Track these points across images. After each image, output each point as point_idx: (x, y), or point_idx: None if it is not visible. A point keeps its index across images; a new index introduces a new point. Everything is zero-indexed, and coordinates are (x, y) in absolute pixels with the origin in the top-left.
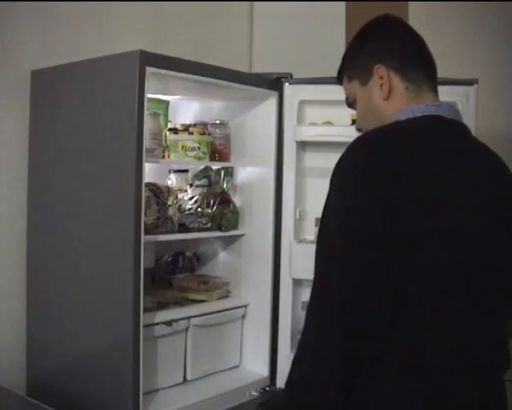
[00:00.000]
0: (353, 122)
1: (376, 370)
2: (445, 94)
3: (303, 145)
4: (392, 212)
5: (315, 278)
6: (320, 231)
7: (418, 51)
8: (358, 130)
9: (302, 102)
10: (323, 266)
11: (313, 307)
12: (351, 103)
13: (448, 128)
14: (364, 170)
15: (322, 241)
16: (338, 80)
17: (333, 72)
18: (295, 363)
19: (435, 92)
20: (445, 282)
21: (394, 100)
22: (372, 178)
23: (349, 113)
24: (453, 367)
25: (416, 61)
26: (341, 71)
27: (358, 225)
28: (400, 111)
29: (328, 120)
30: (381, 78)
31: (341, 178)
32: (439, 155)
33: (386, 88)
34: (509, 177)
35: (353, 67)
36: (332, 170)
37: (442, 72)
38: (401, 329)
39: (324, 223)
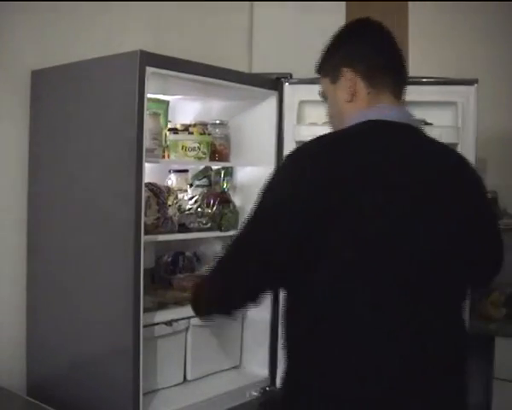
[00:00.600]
0: None
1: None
2: (445, 94)
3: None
4: (318, 193)
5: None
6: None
7: (391, 59)
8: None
9: (302, 102)
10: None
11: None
12: (323, 98)
13: (389, 129)
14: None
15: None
16: (316, 73)
17: None
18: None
19: (398, 97)
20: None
21: (355, 103)
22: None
23: None
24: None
25: (386, 69)
26: (319, 65)
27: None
28: (354, 117)
29: (322, 120)
30: (348, 81)
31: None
32: (370, 150)
33: (349, 91)
34: (453, 159)
35: (327, 65)
36: None
37: (442, 72)
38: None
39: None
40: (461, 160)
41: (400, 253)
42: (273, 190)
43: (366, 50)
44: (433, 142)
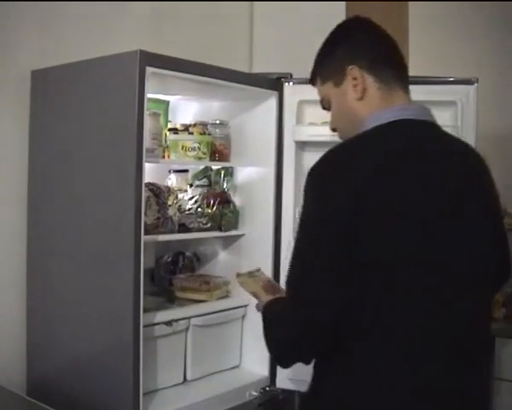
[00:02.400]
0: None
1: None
2: (445, 93)
3: (302, 145)
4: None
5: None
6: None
7: (389, 51)
8: (333, 130)
9: (301, 102)
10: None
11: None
12: (326, 106)
13: (414, 130)
14: (334, 181)
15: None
16: (311, 83)
17: None
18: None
19: (407, 93)
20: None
21: (368, 101)
22: (340, 187)
23: None
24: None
25: (386, 61)
26: (314, 74)
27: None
28: (370, 117)
29: (327, 120)
30: (355, 78)
31: (314, 188)
32: (407, 156)
33: (360, 88)
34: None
35: (326, 70)
36: None
37: (442, 71)
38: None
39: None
40: (479, 158)
41: (444, 264)
42: (321, 209)
43: (365, 43)
44: (454, 139)
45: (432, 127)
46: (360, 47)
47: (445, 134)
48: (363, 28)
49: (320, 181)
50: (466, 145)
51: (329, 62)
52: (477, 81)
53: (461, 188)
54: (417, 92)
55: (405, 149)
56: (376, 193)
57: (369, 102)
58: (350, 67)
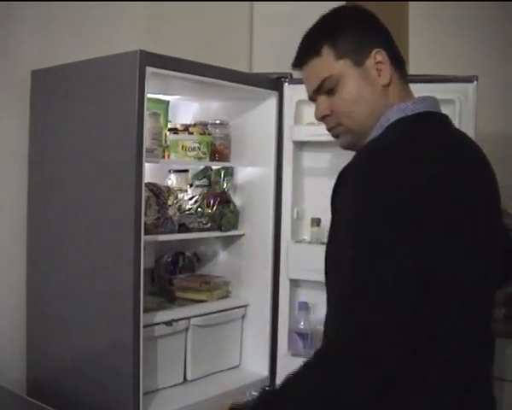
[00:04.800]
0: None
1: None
2: (443, 92)
3: (301, 145)
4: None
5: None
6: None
7: (396, 45)
8: (338, 125)
9: (300, 102)
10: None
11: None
12: (330, 87)
13: (438, 124)
14: (386, 179)
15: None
16: (306, 53)
17: None
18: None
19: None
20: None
21: (391, 90)
22: (392, 185)
23: None
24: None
25: (401, 56)
26: (320, 42)
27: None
28: (395, 107)
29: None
30: (380, 62)
31: (370, 187)
32: (445, 155)
33: (387, 74)
34: (488, 168)
35: (345, 44)
36: (329, 170)
37: (442, 72)
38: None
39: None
40: (483, 154)
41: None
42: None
43: (387, 33)
44: (464, 135)
45: (446, 119)
46: (386, 35)
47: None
48: (378, 20)
49: (379, 178)
50: (466, 136)
51: (353, 37)
52: (477, 79)
53: (483, 185)
54: (415, 91)
55: (449, 143)
56: (444, 191)
57: (391, 93)
58: (376, 49)
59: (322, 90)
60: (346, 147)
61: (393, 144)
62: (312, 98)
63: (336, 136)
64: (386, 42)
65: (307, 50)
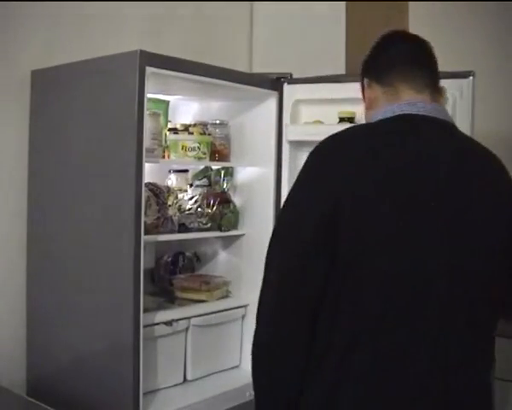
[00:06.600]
0: (340, 120)
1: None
2: None
3: (299, 145)
4: (343, 204)
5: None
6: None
7: (395, 56)
8: None
9: (298, 102)
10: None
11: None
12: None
13: (419, 125)
14: (322, 167)
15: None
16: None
17: (331, 71)
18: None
19: (418, 90)
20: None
21: (375, 106)
22: (327, 175)
23: (337, 111)
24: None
25: (390, 67)
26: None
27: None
28: (376, 113)
29: (320, 119)
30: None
31: (306, 169)
32: (399, 154)
33: (367, 100)
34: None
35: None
36: None
37: (440, 68)
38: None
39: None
40: (496, 163)
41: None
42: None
43: (369, 57)
44: (468, 140)
45: (440, 124)
46: (367, 61)
47: (454, 130)
48: (377, 42)
49: (316, 161)
50: (483, 147)
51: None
52: (473, 75)
53: (445, 175)
54: None
55: (396, 144)
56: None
57: (376, 107)
58: (365, 80)
59: None
60: None
61: (336, 139)
62: None
63: None
64: (367, 67)
65: None
